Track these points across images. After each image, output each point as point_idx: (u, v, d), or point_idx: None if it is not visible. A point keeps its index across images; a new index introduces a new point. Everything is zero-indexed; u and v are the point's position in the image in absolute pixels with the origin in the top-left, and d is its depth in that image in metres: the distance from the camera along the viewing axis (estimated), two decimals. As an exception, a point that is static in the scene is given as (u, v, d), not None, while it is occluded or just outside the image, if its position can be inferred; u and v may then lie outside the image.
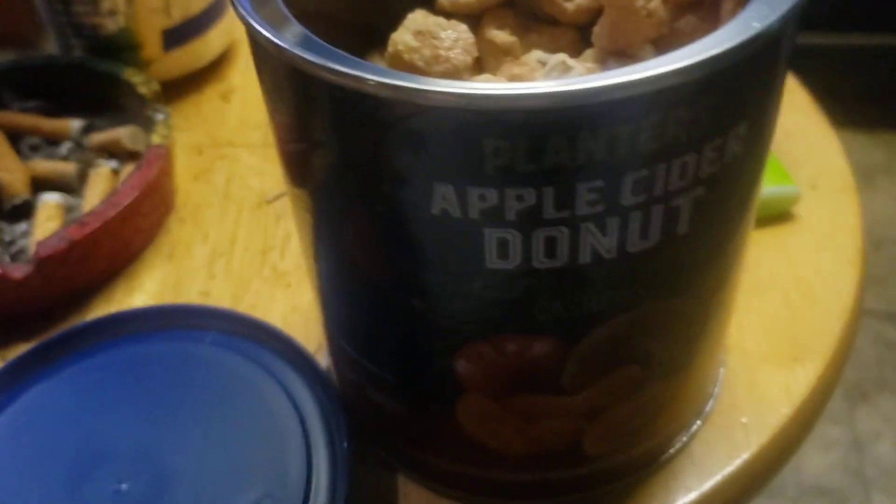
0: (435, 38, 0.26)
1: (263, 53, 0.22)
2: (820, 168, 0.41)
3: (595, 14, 0.27)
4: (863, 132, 1.50)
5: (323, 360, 0.34)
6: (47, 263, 0.36)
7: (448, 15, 0.28)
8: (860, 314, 0.36)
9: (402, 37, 0.26)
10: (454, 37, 0.26)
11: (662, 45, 0.26)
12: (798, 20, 0.22)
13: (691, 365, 0.27)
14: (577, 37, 0.28)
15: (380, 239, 0.22)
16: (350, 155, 0.21)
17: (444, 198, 0.20)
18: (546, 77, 0.24)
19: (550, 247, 0.21)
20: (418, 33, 0.26)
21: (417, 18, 0.26)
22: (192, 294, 0.38)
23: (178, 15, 0.49)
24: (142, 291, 0.39)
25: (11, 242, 0.39)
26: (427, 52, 0.26)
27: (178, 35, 0.50)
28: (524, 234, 0.20)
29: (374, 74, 0.18)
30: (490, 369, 0.24)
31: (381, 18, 0.27)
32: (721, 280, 0.25)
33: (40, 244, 0.36)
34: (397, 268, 0.23)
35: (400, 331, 0.25)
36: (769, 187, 0.38)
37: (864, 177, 1.44)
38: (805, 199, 0.40)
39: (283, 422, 0.31)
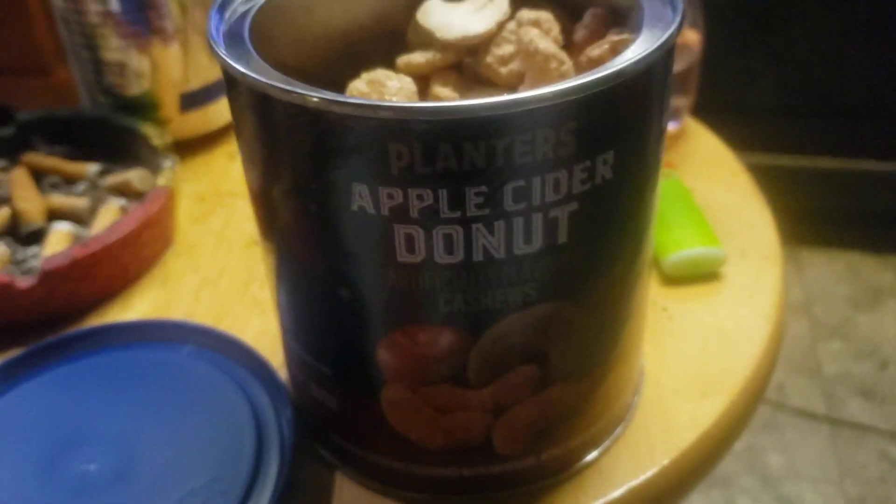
0: (382, 85, 0.31)
1: (231, 80, 0.27)
2: (751, 239, 0.46)
3: (524, 77, 0.32)
4: (872, 254, 1.54)
5: (284, 376, 0.38)
6: (50, 277, 0.41)
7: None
8: (772, 363, 0.40)
9: (357, 84, 0.31)
10: (398, 85, 0.31)
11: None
12: (664, 75, 0.27)
13: (592, 374, 0.31)
14: (510, 95, 0.33)
15: (313, 235, 0.27)
16: (291, 159, 0.26)
17: (360, 196, 0.25)
18: None
19: (448, 244, 0.25)
20: (370, 81, 0.31)
21: (373, 72, 0.32)
22: (177, 315, 0.43)
23: (195, 82, 0.56)
24: (134, 311, 0.43)
25: (23, 261, 0.44)
26: (374, 97, 0.31)
27: (194, 100, 0.56)
28: (426, 230, 0.25)
29: (305, 90, 0.24)
30: (406, 359, 0.28)
31: (349, 75, 0.32)
32: (611, 293, 0.29)
33: (46, 259, 0.41)
34: (327, 261, 0.27)
35: (332, 322, 0.29)
36: (699, 248, 0.43)
37: (873, 298, 1.47)
38: (734, 263, 0.44)
39: (241, 422, 0.35)
